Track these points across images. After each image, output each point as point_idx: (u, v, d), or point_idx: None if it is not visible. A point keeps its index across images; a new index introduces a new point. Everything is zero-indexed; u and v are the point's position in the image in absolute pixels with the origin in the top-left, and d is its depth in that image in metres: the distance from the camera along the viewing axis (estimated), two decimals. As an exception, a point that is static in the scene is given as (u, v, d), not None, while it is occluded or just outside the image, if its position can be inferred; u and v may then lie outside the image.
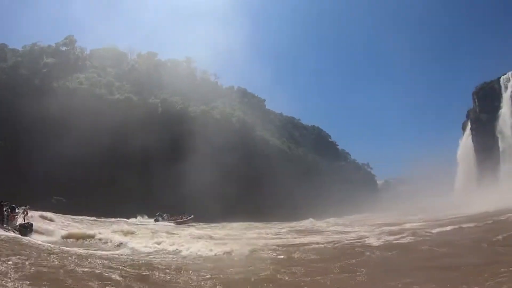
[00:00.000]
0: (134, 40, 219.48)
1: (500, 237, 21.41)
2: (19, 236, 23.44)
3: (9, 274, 12.73)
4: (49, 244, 22.23)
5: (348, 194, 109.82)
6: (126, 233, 31.93)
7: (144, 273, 15.30)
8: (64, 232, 29.32)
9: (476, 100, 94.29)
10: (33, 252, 18.04)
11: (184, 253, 22.13)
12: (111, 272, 14.89)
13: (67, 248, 21.37)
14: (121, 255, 21.27)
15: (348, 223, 56.35)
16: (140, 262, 18.49)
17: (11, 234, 23.43)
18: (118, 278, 13.99)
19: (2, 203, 26.58)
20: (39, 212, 36.97)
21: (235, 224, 57.32)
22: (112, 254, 21.43)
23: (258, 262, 18.27)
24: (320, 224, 59.17)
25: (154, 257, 20.85)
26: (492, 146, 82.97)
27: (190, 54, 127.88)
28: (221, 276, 15.07)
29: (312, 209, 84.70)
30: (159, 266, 17.03)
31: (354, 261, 18.12)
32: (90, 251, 21.73)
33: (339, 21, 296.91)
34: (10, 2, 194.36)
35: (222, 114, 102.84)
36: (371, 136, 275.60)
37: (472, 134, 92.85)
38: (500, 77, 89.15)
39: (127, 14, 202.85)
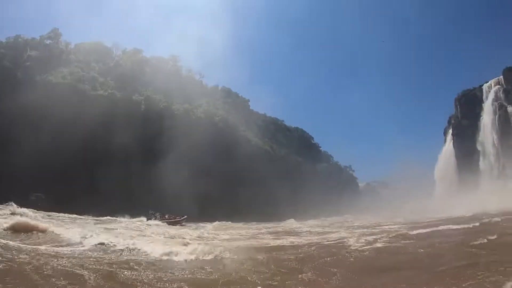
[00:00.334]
0: (120, 35, 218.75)
1: (479, 240, 21.55)
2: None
3: None
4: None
5: (330, 196, 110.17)
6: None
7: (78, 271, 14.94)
8: (6, 224, 26.96)
9: (458, 107, 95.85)
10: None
11: (128, 252, 20.59)
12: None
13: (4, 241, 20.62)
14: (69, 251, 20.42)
15: (328, 225, 56.57)
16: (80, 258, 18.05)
17: None
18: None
19: None
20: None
21: (211, 224, 56.83)
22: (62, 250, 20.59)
23: (228, 264, 17.91)
24: (300, 225, 59.27)
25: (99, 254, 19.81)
26: (472, 152, 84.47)
27: (176, 51, 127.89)
28: (186, 277, 14.91)
29: (294, 210, 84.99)
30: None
31: (330, 262, 18.11)
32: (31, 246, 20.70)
33: (324, 23, 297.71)
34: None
35: (205, 113, 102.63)
36: (353, 139, 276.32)
37: (453, 139, 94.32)
38: (483, 85, 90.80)
39: (114, 8, 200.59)
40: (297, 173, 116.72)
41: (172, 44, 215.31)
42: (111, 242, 22.22)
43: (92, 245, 21.69)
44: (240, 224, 61.20)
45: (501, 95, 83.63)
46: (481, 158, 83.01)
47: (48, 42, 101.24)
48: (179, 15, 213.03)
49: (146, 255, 19.61)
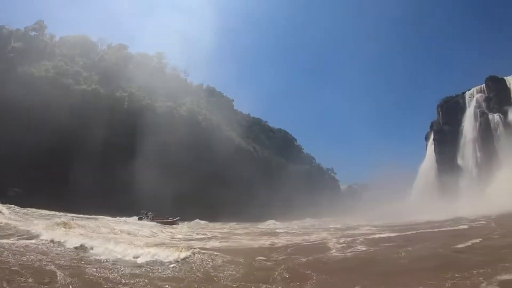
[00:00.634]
0: (106, 30, 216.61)
1: (458, 245, 21.39)
2: None
3: None
4: None
5: (311, 198, 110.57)
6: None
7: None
8: None
9: (440, 113, 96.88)
10: None
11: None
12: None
13: None
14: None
15: (308, 226, 56.75)
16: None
17: None
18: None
19: None
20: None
21: (187, 225, 56.74)
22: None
23: (194, 266, 17.39)
24: (279, 226, 59.54)
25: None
26: (453, 157, 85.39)
27: (162, 48, 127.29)
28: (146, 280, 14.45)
29: (275, 211, 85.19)
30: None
31: (306, 264, 17.84)
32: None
33: (310, 25, 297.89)
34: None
35: (189, 111, 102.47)
36: (336, 142, 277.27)
37: (434, 144, 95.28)
38: (465, 92, 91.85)
39: (101, 2, 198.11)
40: (279, 174, 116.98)
41: (158, 41, 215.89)
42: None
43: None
44: (219, 224, 61.21)
45: (483, 103, 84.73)
46: (461, 164, 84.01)
47: (32, 34, 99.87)
48: (166, 12, 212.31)
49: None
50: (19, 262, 15.46)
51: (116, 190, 73.70)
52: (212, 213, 71.64)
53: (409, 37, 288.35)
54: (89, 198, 64.94)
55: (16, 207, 50.42)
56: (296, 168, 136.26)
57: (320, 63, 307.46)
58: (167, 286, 13.64)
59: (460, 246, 20.94)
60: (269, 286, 13.75)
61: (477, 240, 22.41)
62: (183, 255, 18.83)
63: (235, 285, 13.91)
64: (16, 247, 19.82)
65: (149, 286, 13.43)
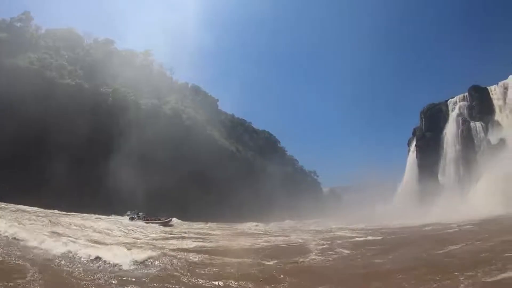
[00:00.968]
0: (94, 24, 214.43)
1: (436, 249, 21.44)
2: None
3: None
4: None
5: (294, 200, 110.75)
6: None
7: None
8: None
9: (423, 119, 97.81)
10: None
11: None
12: None
13: None
14: None
15: (288, 228, 56.84)
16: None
17: None
18: None
19: None
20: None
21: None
22: None
23: (166, 264, 17.28)
24: (261, 227, 59.60)
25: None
26: (434, 163, 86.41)
27: (148, 45, 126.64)
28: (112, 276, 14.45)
29: (256, 213, 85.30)
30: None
31: (281, 268, 17.56)
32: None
33: (294, 27, 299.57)
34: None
35: (173, 110, 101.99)
36: (318, 144, 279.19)
37: (416, 150, 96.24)
38: (448, 100, 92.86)
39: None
40: (261, 176, 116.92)
41: (146, 37, 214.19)
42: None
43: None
44: (198, 224, 60.95)
45: (465, 111, 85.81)
46: (441, 170, 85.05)
47: (18, 25, 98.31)
48: (155, 8, 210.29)
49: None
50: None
51: (94, 187, 72.81)
52: (191, 213, 71.21)
53: (396, 43, 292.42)
54: (65, 194, 64.40)
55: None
56: (279, 170, 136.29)
57: (307, 66, 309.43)
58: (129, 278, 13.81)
59: (439, 251, 20.96)
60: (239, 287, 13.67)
61: (456, 246, 22.28)
62: (142, 256, 18.15)
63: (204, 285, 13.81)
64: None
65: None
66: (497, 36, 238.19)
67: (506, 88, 79.21)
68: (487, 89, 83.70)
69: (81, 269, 15.56)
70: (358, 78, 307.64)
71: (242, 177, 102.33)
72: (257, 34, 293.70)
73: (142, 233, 36.25)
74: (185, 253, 20.71)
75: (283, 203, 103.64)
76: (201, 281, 14.47)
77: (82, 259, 17.33)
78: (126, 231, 36.06)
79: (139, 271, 15.76)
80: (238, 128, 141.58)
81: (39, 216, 39.39)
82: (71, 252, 18.26)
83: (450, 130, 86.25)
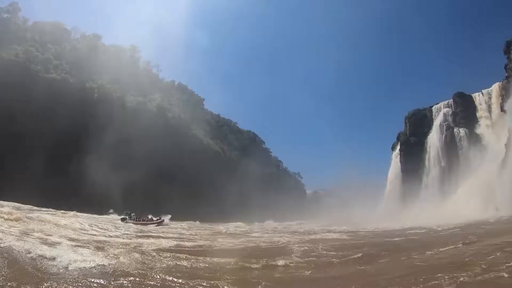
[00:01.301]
0: (82, 18, 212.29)
1: (420, 252, 21.10)
2: None
3: None
4: None
5: (277, 201, 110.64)
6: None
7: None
8: None
9: (407, 124, 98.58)
10: None
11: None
12: None
13: None
14: None
15: (271, 229, 56.77)
16: None
17: None
18: None
19: None
20: None
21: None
22: None
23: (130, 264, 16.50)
24: (243, 227, 59.54)
25: None
26: (417, 168, 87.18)
27: (136, 41, 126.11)
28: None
29: (240, 213, 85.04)
30: None
31: (259, 269, 17.09)
32: None
33: (281, 28, 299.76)
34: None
35: (158, 107, 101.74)
36: (304, 147, 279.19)
37: (400, 154, 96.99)
38: (433, 106, 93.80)
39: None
40: (246, 176, 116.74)
41: (133, 33, 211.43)
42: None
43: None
44: (183, 224, 60.64)
45: (449, 117, 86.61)
46: (425, 175, 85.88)
47: (5, 16, 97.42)
48: (144, 4, 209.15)
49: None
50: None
51: (71, 183, 72.00)
52: (174, 212, 70.73)
53: (383, 48, 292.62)
54: (42, 189, 62.98)
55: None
56: (263, 171, 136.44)
57: (293, 68, 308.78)
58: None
59: (423, 254, 20.72)
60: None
61: (440, 249, 22.08)
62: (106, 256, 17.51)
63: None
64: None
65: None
66: (483, 45, 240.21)
67: (490, 96, 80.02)
68: (471, 96, 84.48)
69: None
70: (344, 81, 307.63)
71: (226, 177, 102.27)
72: (243, 34, 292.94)
73: (116, 231, 35.78)
74: (162, 253, 20.48)
75: (267, 204, 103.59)
76: (169, 279, 14.22)
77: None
78: (103, 229, 35.65)
79: (102, 270, 15.06)
80: (224, 128, 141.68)
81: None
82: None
83: (434, 136, 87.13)
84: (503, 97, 72.84)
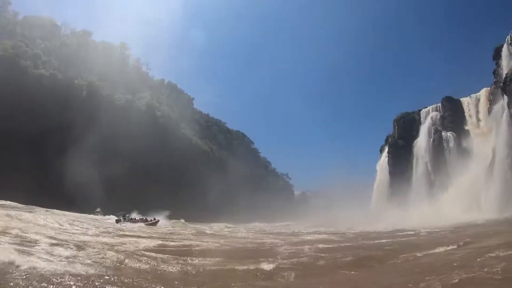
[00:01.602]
0: (72, 13, 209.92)
1: (403, 257, 20.82)
2: None
3: None
4: None
5: (265, 202, 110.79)
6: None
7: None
8: None
9: (396, 127, 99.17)
10: None
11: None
12: None
13: None
14: None
15: (258, 230, 56.70)
16: None
17: None
18: None
19: None
20: None
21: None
22: None
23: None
24: (230, 227, 59.45)
25: None
26: (405, 170, 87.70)
27: (126, 39, 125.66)
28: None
29: (228, 213, 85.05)
30: None
31: (240, 272, 16.34)
32: None
33: (271, 28, 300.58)
34: None
35: (147, 106, 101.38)
36: (292, 148, 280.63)
37: (388, 157, 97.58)
38: (421, 109, 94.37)
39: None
40: (234, 177, 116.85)
41: (124, 30, 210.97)
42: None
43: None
44: (168, 223, 60.27)
45: (438, 121, 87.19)
46: (413, 177, 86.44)
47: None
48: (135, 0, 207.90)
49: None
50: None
51: (55, 181, 71.13)
52: (160, 211, 70.43)
53: (373, 50, 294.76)
54: (24, 186, 61.70)
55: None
56: (252, 172, 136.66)
57: (280, 70, 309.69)
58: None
59: (413, 256, 20.67)
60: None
61: (425, 252, 21.87)
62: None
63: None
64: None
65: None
66: (473, 51, 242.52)
67: (478, 101, 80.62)
68: (459, 100, 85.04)
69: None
70: (333, 82, 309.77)
71: (214, 176, 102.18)
72: (233, 34, 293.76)
73: (94, 228, 35.45)
74: (143, 252, 20.29)
75: (254, 204, 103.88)
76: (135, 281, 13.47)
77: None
78: (85, 228, 35.32)
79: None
80: (213, 128, 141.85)
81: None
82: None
83: (422, 139, 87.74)
84: (491, 102, 73.51)
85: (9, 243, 18.31)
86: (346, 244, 29.07)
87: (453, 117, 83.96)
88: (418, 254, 20.84)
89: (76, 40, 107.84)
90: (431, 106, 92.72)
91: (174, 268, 16.37)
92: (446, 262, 18.01)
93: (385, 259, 20.61)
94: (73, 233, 28.96)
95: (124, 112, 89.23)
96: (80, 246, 20.45)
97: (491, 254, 17.91)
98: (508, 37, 68.69)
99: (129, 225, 50.38)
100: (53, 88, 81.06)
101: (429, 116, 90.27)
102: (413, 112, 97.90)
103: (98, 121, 79.82)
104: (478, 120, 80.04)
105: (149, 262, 17.20)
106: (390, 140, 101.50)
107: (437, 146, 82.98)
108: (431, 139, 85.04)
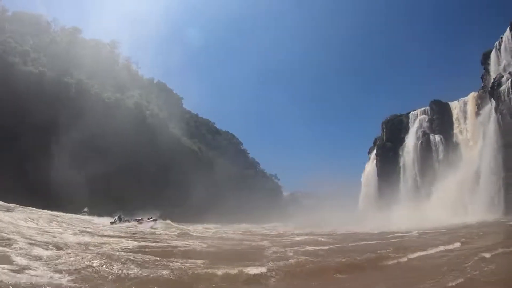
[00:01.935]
0: (62, 10, 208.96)
1: (394, 259, 20.68)
2: None
3: None
4: None
5: (254, 203, 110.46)
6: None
7: None
8: None
9: (384, 129, 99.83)
10: None
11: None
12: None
13: None
14: None
15: (245, 231, 56.47)
16: None
17: None
18: None
19: None
20: None
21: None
22: None
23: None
24: (217, 228, 59.24)
25: None
26: (393, 173, 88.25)
27: (116, 37, 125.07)
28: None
29: (215, 214, 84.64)
30: None
31: (223, 275, 15.55)
32: None
33: (260, 27, 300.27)
34: None
35: (136, 105, 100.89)
36: (281, 149, 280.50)
37: (376, 159, 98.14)
38: (410, 112, 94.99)
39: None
40: (223, 177, 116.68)
41: (114, 28, 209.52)
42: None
43: None
44: (154, 223, 59.85)
45: (426, 123, 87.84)
46: (400, 179, 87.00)
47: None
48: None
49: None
50: None
51: (40, 180, 69.73)
52: (148, 211, 69.88)
53: (363, 52, 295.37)
54: (9, 185, 60.54)
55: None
56: (241, 172, 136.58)
57: (270, 71, 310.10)
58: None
59: (404, 258, 20.56)
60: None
61: (416, 254, 21.84)
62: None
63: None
64: None
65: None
66: (463, 55, 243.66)
67: (466, 105, 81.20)
68: (448, 104, 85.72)
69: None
70: (323, 82, 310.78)
71: (203, 177, 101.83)
72: (228, 33, 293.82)
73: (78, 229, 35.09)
74: (123, 253, 20.05)
75: (243, 205, 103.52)
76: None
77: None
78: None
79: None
80: (202, 128, 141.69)
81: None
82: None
83: (410, 142, 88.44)
84: (479, 106, 74.27)
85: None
86: (336, 245, 28.74)
87: (441, 120, 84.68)
88: (411, 256, 20.71)
89: (66, 38, 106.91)
90: (419, 109, 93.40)
91: (157, 272, 15.73)
92: (439, 264, 18.13)
93: (376, 261, 20.27)
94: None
95: (113, 111, 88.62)
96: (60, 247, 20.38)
97: (484, 255, 18.14)
98: (497, 42, 69.49)
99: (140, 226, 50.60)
100: (41, 85, 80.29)
101: (418, 119, 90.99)
102: (401, 115, 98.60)
103: (86, 120, 78.97)
104: (466, 123, 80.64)
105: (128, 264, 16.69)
106: (378, 142, 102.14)
107: (425, 149, 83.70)
108: (419, 142, 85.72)
